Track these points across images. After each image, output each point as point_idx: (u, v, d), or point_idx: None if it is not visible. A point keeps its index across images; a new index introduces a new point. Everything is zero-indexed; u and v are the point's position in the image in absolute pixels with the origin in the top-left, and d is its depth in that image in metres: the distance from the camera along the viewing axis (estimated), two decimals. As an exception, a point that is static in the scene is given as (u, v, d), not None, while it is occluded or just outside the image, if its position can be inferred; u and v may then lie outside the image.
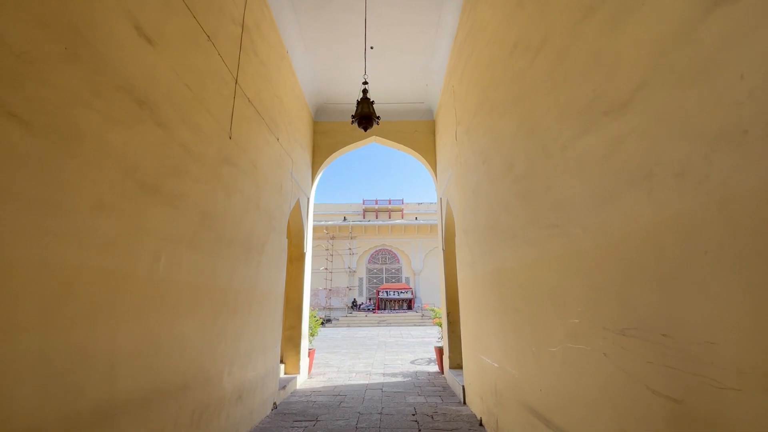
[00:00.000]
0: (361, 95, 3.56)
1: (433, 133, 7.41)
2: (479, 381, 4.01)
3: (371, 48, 5.49)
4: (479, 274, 3.94)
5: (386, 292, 24.37)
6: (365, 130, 3.55)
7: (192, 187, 2.76)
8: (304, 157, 6.57)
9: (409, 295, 24.27)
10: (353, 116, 3.52)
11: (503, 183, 3.09)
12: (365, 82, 3.67)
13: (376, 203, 29.02)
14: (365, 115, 3.44)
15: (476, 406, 4.18)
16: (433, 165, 7.25)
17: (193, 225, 2.76)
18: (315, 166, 7.22)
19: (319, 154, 7.25)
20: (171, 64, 2.53)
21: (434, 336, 13.67)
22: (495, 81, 3.34)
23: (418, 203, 29.24)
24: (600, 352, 1.72)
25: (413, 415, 4.32)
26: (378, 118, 3.53)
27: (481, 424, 3.88)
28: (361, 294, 25.95)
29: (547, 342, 2.29)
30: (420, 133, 7.41)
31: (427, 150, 7.34)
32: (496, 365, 3.38)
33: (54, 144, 1.64)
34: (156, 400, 2.32)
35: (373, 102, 3.54)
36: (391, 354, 9.50)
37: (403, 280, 26.11)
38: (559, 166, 2.13)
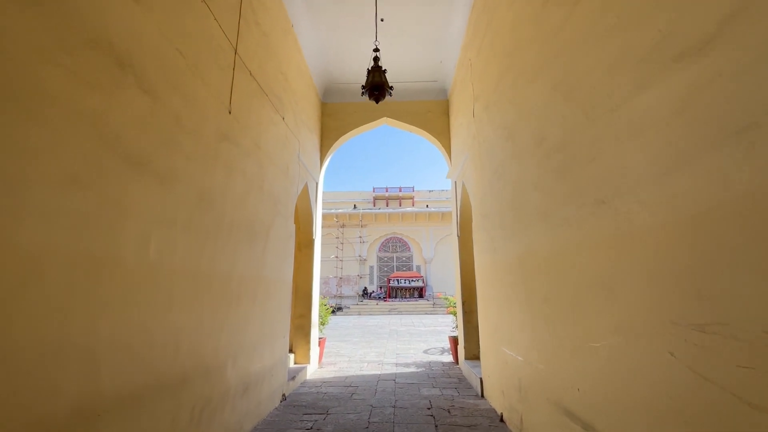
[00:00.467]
0: (372, 63, 3.24)
1: (447, 113, 7.04)
2: (500, 374, 3.75)
3: (381, 20, 5.13)
4: (501, 260, 3.64)
5: (397, 280, 24.22)
6: (377, 102, 3.24)
7: (186, 164, 2.50)
8: (312, 139, 6.29)
9: (420, 284, 24.09)
10: (364, 86, 3.20)
11: (532, 159, 2.76)
12: (376, 49, 3.34)
13: (387, 191, 28.72)
14: (377, 85, 3.12)
15: (496, 400, 3.93)
16: (447, 147, 6.90)
17: (188, 206, 2.52)
18: (323, 150, 6.93)
19: (327, 137, 6.96)
20: (159, 25, 2.24)
21: (446, 325, 13.46)
22: (521, 45, 2.98)
23: (429, 191, 28.84)
24: (663, 350, 1.42)
25: (428, 408, 4.09)
26: (391, 88, 3.20)
27: (502, 420, 3.63)
28: (371, 282, 25.86)
29: (587, 336, 1.99)
30: (433, 114, 7.05)
31: (441, 131, 6.98)
32: (520, 359, 3.11)
33: (11, 104, 1.38)
34: (149, 396, 2.10)
35: (385, 71, 3.22)
36: (403, 343, 9.31)
37: (414, 269, 25.91)
38: (607, 131, 1.80)
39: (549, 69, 2.45)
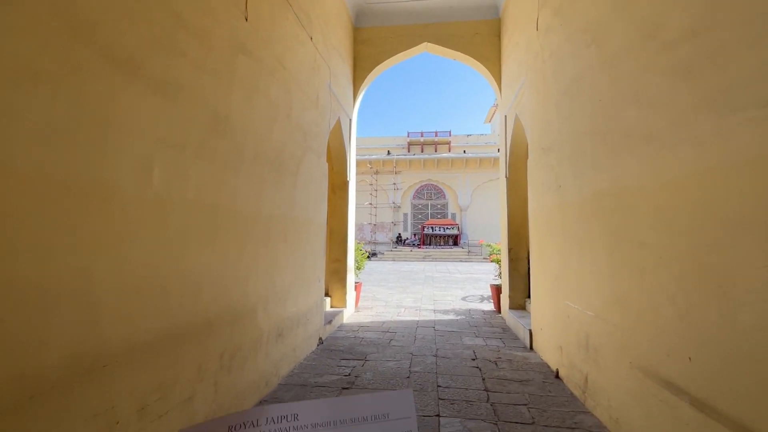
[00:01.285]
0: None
1: (498, 35, 6.06)
2: (558, 328, 3.33)
3: None
4: (569, 200, 3.07)
5: (431, 227, 23.93)
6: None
7: (194, 75, 2.05)
8: (344, 69, 5.64)
9: (455, 231, 23.70)
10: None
11: (634, 62, 2.08)
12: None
13: (422, 136, 27.52)
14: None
15: (550, 355, 3.56)
16: (497, 75, 6.03)
17: (200, 129, 2.11)
18: (357, 82, 6.27)
19: (361, 67, 6.26)
20: None
21: (483, 272, 13.17)
22: None
23: (467, 135, 27.34)
24: None
25: (473, 359, 3.81)
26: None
27: (557, 377, 3.28)
28: (405, 229, 25.76)
29: (719, 294, 1.47)
30: (481, 37, 6.10)
31: (490, 57, 6.08)
32: (590, 314, 2.65)
33: None
34: (168, 344, 1.86)
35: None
36: (440, 289, 9.11)
37: (449, 216, 25.41)
38: (805, -18, 1.13)
39: None
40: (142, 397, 1.70)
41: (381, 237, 25.19)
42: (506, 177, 5.67)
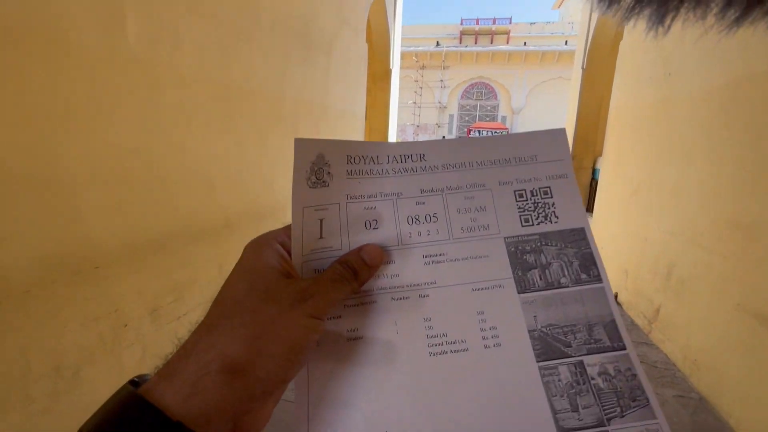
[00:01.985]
0: None
1: None
2: (626, 249, 2.87)
3: None
4: (682, 91, 2.32)
5: (478, 131, 22.41)
6: None
7: None
8: None
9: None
10: None
11: None
12: None
13: (477, 23, 24.13)
14: None
15: (608, 276, 3.17)
16: (592, -75, 4.55)
17: (193, -31, 1.56)
18: (406, -61, 5.03)
19: None
20: None
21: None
22: None
23: (530, 23, 23.60)
24: None
25: (518, 274, 3.51)
26: None
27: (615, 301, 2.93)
28: (450, 132, 24.41)
29: None
30: None
31: None
32: (681, 238, 2.14)
33: None
34: (176, 244, 1.63)
35: None
36: (483, 197, 8.65)
37: (499, 119, 23.52)
38: None
39: None
40: (153, 299, 1.53)
41: (424, 139, 24.16)
42: (582, 68, 4.65)
